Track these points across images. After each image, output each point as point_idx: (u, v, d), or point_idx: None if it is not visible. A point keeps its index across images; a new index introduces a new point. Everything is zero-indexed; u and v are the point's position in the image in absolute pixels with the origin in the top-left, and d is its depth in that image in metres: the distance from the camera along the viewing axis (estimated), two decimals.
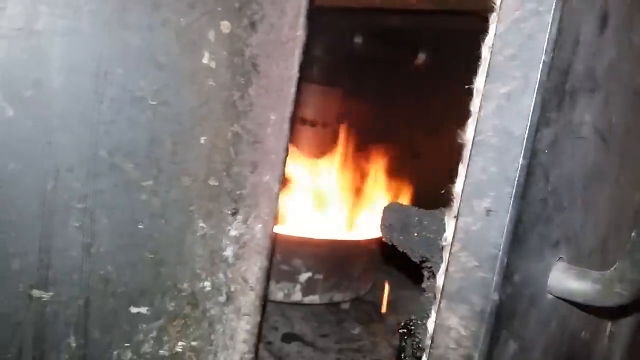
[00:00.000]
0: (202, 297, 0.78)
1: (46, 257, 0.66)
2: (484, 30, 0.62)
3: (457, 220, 0.63)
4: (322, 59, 1.79)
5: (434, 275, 0.67)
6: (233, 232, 0.78)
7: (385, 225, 0.75)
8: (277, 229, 1.55)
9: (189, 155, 0.72)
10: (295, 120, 1.79)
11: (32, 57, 0.61)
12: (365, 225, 1.72)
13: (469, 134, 0.63)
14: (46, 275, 0.67)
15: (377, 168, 1.86)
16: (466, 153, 0.63)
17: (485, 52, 0.62)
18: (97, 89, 0.65)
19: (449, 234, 0.64)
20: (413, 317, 0.71)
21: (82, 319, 0.70)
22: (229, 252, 0.78)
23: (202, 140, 0.72)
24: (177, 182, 0.72)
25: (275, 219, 0.80)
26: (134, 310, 0.73)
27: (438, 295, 0.64)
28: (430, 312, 0.65)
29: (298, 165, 1.74)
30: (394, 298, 1.94)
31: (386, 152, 2.15)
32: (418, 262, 0.72)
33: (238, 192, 0.77)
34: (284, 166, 0.79)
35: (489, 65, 0.61)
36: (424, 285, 0.70)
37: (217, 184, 0.75)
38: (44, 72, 0.62)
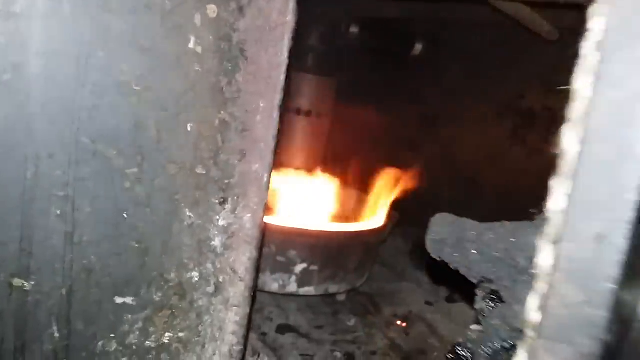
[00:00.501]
0: (190, 288, 0.77)
1: (27, 246, 0.64)
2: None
3: (557, 245, 0.53)
4: (317, 48, 1.76)
5: (500, 300, 0.60)
6: (221, 222, 0.76)
7: (435, 240, 0.67)
8: (272, 220, 1.55)
9: (175, 142, 0.70)
10: (290, 110, 1.77)
11: (11, 40, 0.59)
12: (361, 216, 1.70)
13: (568, 143, 0.55)
14: (27, 264, 0.65)
15: (373, 159, 1.85)
16: (566, 166, 0.55)
17: (588, 48, 0.53)
18: (79, 73, 0.63)
19: (543, 260, 0.55)
20: (463, 341, 0.63)
21: (65, 309, 0.69)
22: (217, 242, 0.77)
23: (189, 127, 0.71)
24: (162, 170, 0.70)
25: (264, 208, 0.79)
26: (119, 300, 0.72)
27: (530, 332, 0.55)
28: (515, 351, 0.56)
29: (293, 156, 1.72)
30: (391, 290, 1.93)
31: (382, 143, 2.14)
32: (475, 283, 0.64)
33: (226, 181, 0.75)
34: (274, 155, 0.77)
35: (598, 65, 0.51)
36: (478, 306, 0.62)
37: (204, 172, 0.73)
38: (22, 56, 0.60)
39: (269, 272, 1.54)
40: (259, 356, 1.37)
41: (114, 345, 0.73)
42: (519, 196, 1.79)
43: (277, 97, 0.75)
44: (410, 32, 1.94)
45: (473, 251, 0.63)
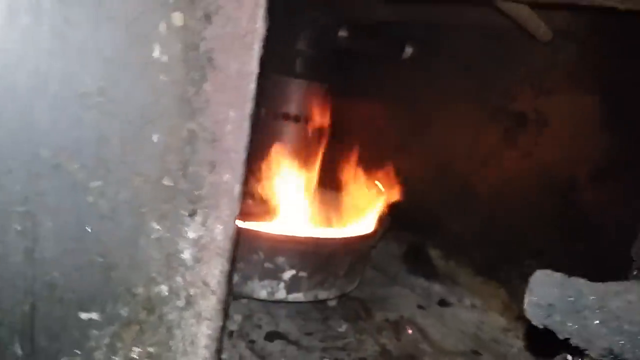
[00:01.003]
0: (159, 302, 0.75)
1: None
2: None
3: None
4: (306, 53, 1.74)
5: None
6: (191, 234, 0.74)
7: (539, 305, 0.55)
8: (261, 227, 1.53)
9: (140, 154, 0.69)
10: (278, 115, 1.75)
11: None
12: (351, 222, 1.68)
13: None
14: None
15: (363, 164, 1.83)
16: None
17: None
18: (37, 85, 0.61)
19: None
20: None
21: (28, 326, 0.67)
22: (187, 255, 0.75)
23: (155, 138, 0.69)
24: (127, 182, 0.69)
25: (236, 219, 0.77)
26: (84, 316, 0.70)
27: None
28: None
29: (281, 162, 1.70)
30: (383, 294, 1.91)
31: (373, 148, 2.11)
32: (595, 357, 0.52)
33: (196, 193, 0.73)
34: (245, 165, 0.75)
35: None
36: None
37: (172, 184, 0.71)
38: None
39: (258, 279, 1.53)
40: None
41: None
42: (512, 199, 1.79)
43: (248, 106, 0.73)
44: (400, 35, 1.92)
45: (596, 321, 0.52)
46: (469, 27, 1.82)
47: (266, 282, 1.53)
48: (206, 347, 0.79)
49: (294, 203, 1.69)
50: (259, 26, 0.72)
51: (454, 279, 1.96)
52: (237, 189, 0.75)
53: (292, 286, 1.54)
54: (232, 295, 0.76)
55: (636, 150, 1.43)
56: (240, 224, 1.44)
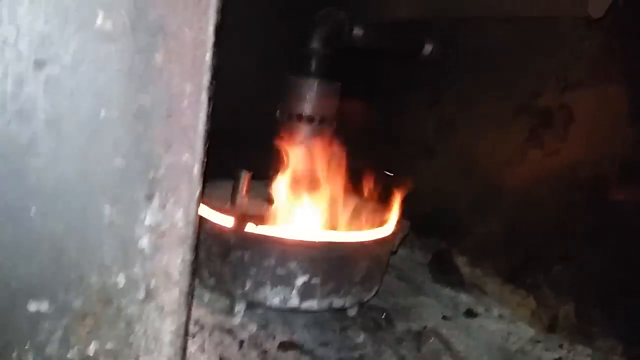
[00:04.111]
0: (116, 293, 0.69)
1: None
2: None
3: None
4: (320, 52, 1.69)
5: None
6: (149, 220, 0.69)
7: None
8: (271, 231, 1.48)
9: (86, 131, 0.64)
10: (292, 116, 1.70)
11: None
12: (366, 226, 1.60)
13: None
14: None
15: (383, 167, 1.76)
16: None
17: None
18: None
19: None
20: None
21: None
22: (145, 243, 0.69)
23: (102, 113, 0.64)
24: (73, 161, 0.64)
25: (198, 204, 0.71)
26: (32, 306, 0.65)
27: None
28: None
29: (294, 164, 1.64)
30: (407, 304, 1.81)
31: (392, 150, 2.04)
32: None
33: (151, 174, 0.68)
34: (205, 144, 0.69)
35: None
36: None
37: (123, 164, 0.66)
38: None
39: (269, 286, 1.46)
40: None
41: (30, 357, 0.66)
42: (538, 200, 1.68)
43: (205, 79, 0.67)
44: (419, 32, 1.85)
45: None
46: (490, 20, 1.74)
47: (278, 288, 1.46)
48: (170, 343, 0.73)
49: (307, 206, 1.62)
50: None
51: (482, 287, 1.85)
52: (196, 169, 0.69)
53: (305, 293, 1.47)
54: (194, 288, 0.70)
55: None
56: (251, 228, 1.41)
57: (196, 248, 0.71)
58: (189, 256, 0.71)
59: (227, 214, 1.47)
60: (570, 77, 1.57)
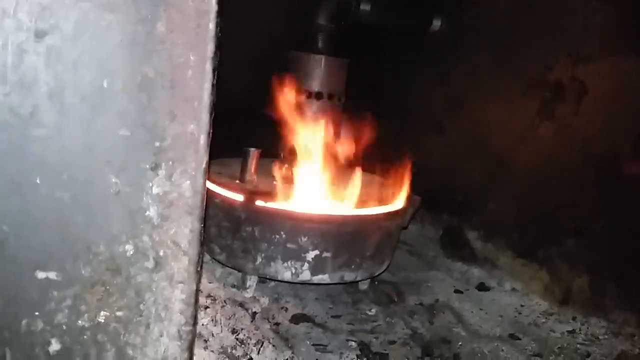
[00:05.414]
0: (125, 262, 0.70)
1: None
2: None
3: None
4: (327, 28, 1.67)
5: None
6: (155, 190, 0.69)
7: None
8: (281, 205, 1.48)
9: (89, 101, 0.64)
10: (300, 92, 1.69)
11: None
12: (378, 199, 1.60)
13: None
14: None
15: (391, 143, 1.75)
16: None
17: None
18: None
19: None
20: None
21: None
22: (152, 212, 0.70)
23: (105, 84, 0.64)
24: (77, 131, 0.64)
25: (204, 174, 0.71)
26: (40, 275, 0.66)
27: None
28: None
29: (304, 140, 1.64)
30: (418, 278, 1.82)
31: (404, 126, 2.03)
32: None
33: (157, 144, 0.68)
34: (211, 115, 0.70)
35: None
36: None
37: (128, 134, 0.67)
38: None
39: (281, 260, 1.47)
40: (262, 345, 1.30)
41: (40, 324, 0.68)
42: (550, 175, 1.66)
43: (209, 48, 0.67)
44: (427, 7, 1.83)
45: None
46: None
47: (290, 263, 1.47)
48: (181, 312, 0.74)
49: (316, 182, 1.62)
50: None
51: (494, 261, 1.84)
52: (202, 140, 0.70)
53: (316, 267, 1.48)
54: (203, 257, 0.70)
55: None
56: (260, 203, 1.41)
57: (204, 218, 0.72)
58: (197, 225, 0.72)
59: (236, 191, 1.48)
60: (582, 50, 1.54)
